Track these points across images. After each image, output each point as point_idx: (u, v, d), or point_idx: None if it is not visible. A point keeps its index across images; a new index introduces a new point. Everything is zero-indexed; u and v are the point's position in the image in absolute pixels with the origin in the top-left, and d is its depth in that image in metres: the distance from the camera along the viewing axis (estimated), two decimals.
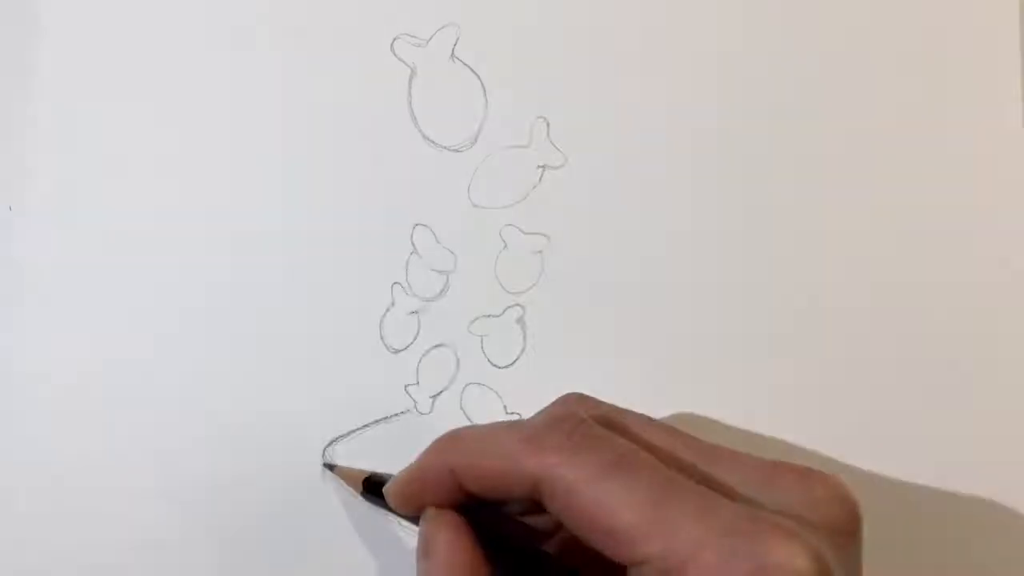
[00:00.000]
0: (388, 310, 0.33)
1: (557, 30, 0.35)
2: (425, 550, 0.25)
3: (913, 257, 0.35)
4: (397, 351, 0.33)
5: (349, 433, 0.33)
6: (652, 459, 0.23)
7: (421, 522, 0.26)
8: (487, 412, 0.33)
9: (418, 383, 0.33)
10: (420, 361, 0.33)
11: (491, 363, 0.33)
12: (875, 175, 0.35)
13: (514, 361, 0.33)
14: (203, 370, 0.32)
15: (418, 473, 0.26)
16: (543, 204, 0.34)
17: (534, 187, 0.34)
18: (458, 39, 0.34)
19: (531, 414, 0.32)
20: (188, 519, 0.32)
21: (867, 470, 0.34)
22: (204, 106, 0.33)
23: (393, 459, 0.32)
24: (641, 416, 0.26)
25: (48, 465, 0.31)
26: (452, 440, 0.26)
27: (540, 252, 0.34)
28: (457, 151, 0.34)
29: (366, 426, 0.33)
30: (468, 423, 0.33)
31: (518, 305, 0.34)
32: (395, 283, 0.33)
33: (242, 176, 0.33)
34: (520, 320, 0.34)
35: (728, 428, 0.34)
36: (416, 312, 0.33)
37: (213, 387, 0.32)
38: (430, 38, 0.34)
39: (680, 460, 0.24)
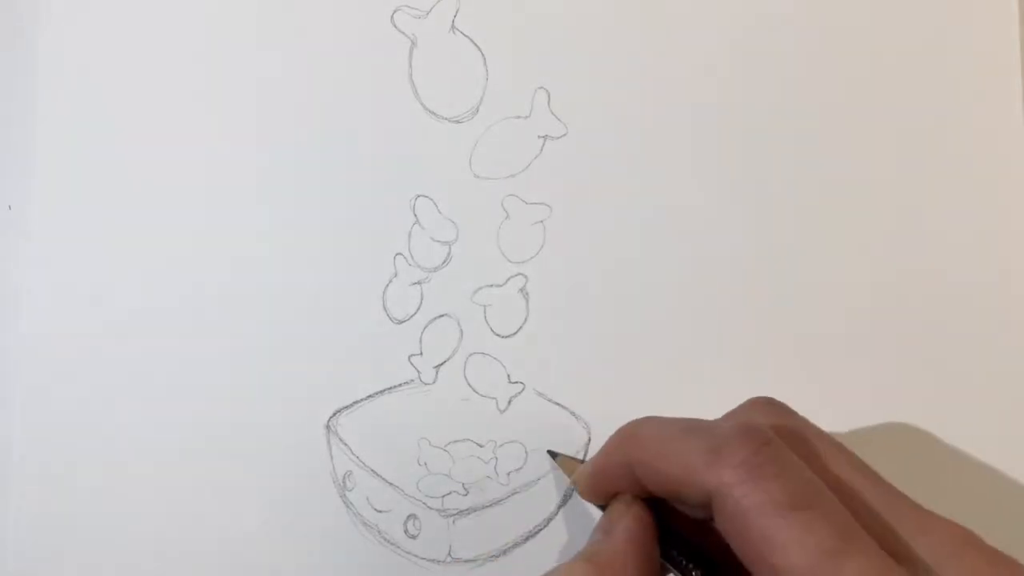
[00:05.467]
0: (391, 281, 0.33)
1: (557, 0, 0.35)
2: (607, 528, 0.26)
3: (912, 256, 0.35)
4: (400, 322, 0.33)
5: (353, 404, 0.33)
6: (834, 501, 0.22)
7: (609, 507, 0.27)
8: (490, 381, 0.33)
9: (421, 353, 0.33)
10: (423, 331, 0.33)
11: (494, 333, 0.34)
12: (874, 175, 0.35)
13: (517, 331, 0.34)
14: (208, 345, 0.32)
15: (601, 467, 0.27)
16: (545, 174, 0.34)
17: (535, 157, 0.34)
18: (458, 10, 0.34)
19: (537, 384, 0.33)
20: (192, 489, 0.32)
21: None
22: (204, 85, 0.33)
23: (397, 429, 0.33)
24: (830, 441, 0.25)
25: (50, 455, 0.31)
26: (633, 437, 0.26)
27: (542, 222, 0.34)
28: (458, 122, 0.34)
29: (370, 397, 0.33)
30: (472, 393, 0.33)
31: (521, 275, 0.34)
32: (398, 254, 0.33)
33: (242, 151, 0.33)
34: (523, 290, 0.34)
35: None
36: (419, 283, 0.33)
37: (218, 360, 0.32)
38: (430, 9, 0.34)
39: (863, 505, 0.23)
